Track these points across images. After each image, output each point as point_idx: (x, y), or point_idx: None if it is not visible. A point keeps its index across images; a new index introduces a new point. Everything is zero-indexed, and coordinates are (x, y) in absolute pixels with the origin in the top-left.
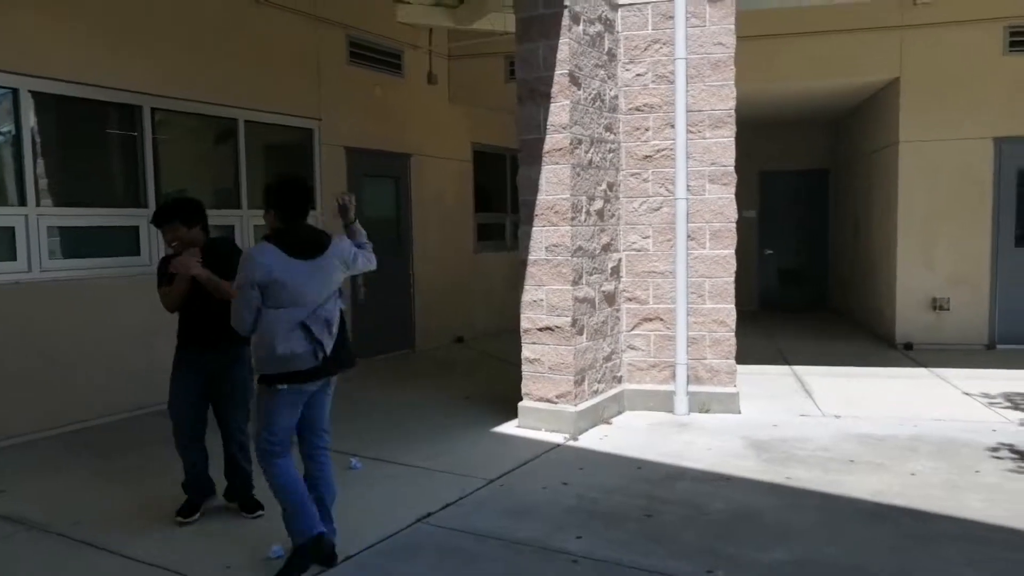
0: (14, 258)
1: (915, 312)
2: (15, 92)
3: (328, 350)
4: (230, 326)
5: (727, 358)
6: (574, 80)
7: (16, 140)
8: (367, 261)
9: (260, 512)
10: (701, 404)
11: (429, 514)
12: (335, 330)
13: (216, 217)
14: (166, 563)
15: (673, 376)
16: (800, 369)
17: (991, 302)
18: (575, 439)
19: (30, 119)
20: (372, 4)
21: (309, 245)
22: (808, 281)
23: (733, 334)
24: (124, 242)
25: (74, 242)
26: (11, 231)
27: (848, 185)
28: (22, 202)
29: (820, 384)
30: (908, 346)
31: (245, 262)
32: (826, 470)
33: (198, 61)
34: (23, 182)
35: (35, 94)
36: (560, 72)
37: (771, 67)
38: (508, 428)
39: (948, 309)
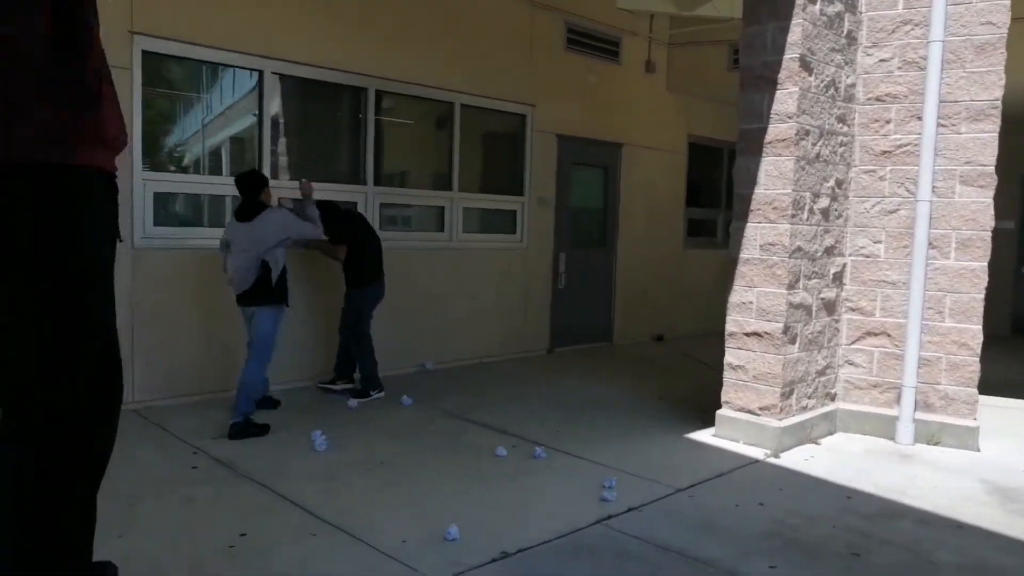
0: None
1: None
2: (260, 74)
3: (239, 287)
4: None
5: (967, 386)
6: (805, 65)
7: (258, 119)
8: (302, 230)
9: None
10: (929, 435)
11: (610, 516)
12: (250, 275)
13: (428, 198)
14: (348, 527)
15: (897, 400)
16: None
17: None
18: (776, 456)
19: (271, 100)
20: None
21: (243, 214)
22: None
23: (977, 359)
24: None
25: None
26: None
27: None
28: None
29: None
30: None
31: None
32: None
33: (419, 45)
34: (261, 157)
35: (276, 76)
36: (789, 56)
37: None
38: (702, 436)
39: None
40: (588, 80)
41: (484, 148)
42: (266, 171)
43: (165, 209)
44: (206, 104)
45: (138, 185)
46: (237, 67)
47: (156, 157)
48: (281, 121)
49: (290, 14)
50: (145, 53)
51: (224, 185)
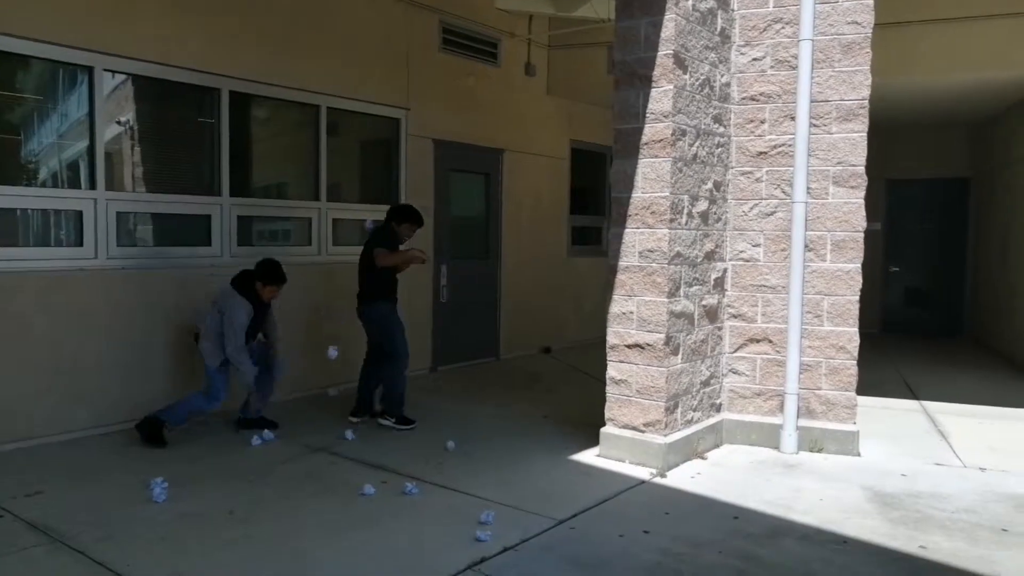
0: (80, 243)
1: None
2: (90, 71)
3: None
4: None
5: (846, 390)
6: (679, 62)
7: (89, 121)
8: (228, 340)
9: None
10: (812, 442)
11: (483, 559)
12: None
13: (293, 209)
14: None
15: (781, 407)
16: (932, 406)
17: None
18: (663, 475)
19: (104, 99)
20: None
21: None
22: (940, 303)
23: (855, 362)
24: (195, 231)
25: (143, 229)
26: (79, 215)
27: (995, 196)
28: (91, 186)
29: (957, 426)
30: None
31: None
32: (973, 540)
33: (279, 42)
34: (94, 166)
35: (110, 73)
36: (663, 52)
37: (907, 58)
38: (587, 457)
39: None
40: (466, 82)
41: (355, 155)
42: (100, 181)
43: None
44: (23, 105)
45: None
46: (60, 62)
47: None
48: (120, 125)
49: (125, 4)
50: None
51: (44, 198)
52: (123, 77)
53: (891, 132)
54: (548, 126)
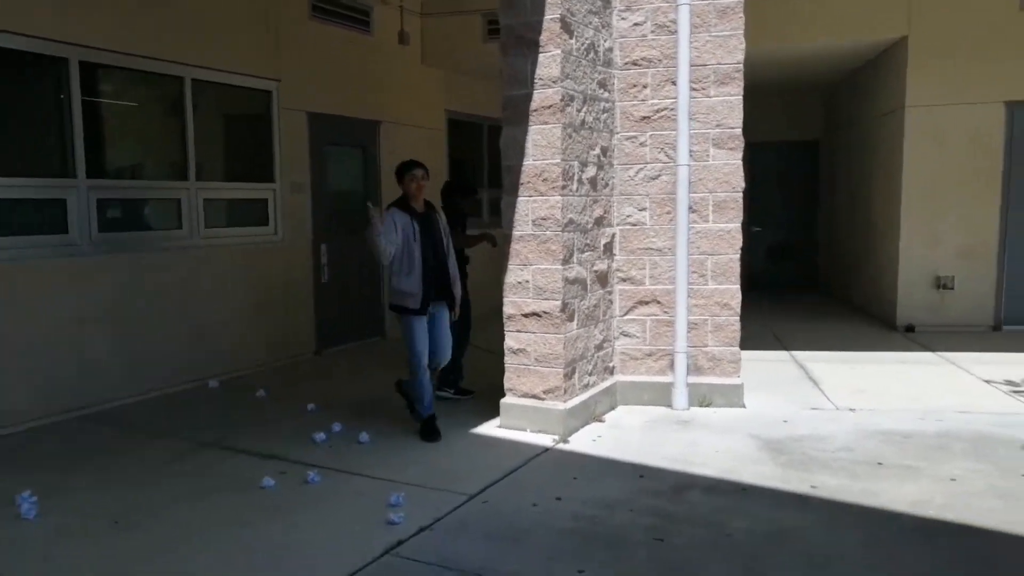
0: None
1: (918, 292)
2: None
3: None
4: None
5: (731, 345)
6: (566, 26)
7: None
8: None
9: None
10: (702, 397)
11: (400, 542)
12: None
13: (160, 190)
14: None
15: (671, 366)
16: (800, 355)
17: (998, 280)
18: (565, 441)
19: None
20: None
21: None
22: (798, 259)
23: (738, 318)
24: (47, 217)
25: None
26: None
27: (842, 156)
28: None
29: (825, 372)
30: (910, 328)
31: None
32: (854, 476)
33: (136, 8)
34: None
35: None
36: (550, 16)
37: (759, 27)
38: (489, 429)
39: (952, 288)
40: (339, 52)
41: (225, 130)
42: None
43: None
44: None
45: None
46: None
47: None
48: None
49: None
50: None
51: None
52: None
53: (750, 97)
54: (424, 96)
